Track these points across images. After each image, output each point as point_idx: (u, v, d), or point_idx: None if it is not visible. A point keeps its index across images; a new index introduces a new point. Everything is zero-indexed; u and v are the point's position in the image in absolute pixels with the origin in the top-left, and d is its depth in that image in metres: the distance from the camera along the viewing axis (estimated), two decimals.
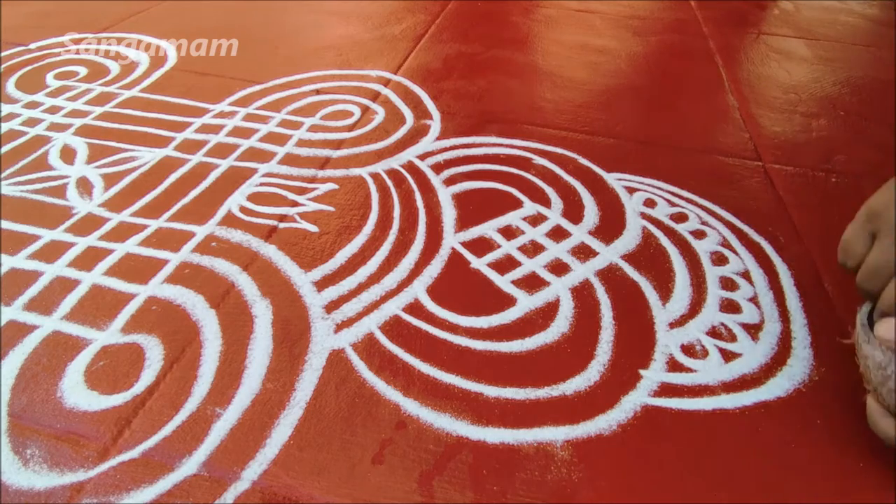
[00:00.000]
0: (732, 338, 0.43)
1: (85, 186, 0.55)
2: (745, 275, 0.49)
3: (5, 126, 0.64)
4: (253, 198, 0.55)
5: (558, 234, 0.52)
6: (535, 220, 0.54)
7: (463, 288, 0.46)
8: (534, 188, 0.58)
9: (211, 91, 0.72)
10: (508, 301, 0.45)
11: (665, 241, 0.52)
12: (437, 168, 0.60)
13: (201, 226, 0.51)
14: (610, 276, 0.48)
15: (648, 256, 0.50)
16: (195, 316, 0.43)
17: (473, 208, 0.55)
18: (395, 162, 0.61)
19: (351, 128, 0.66)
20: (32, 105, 0.68)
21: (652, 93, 0.79)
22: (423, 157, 0.62)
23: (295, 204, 0.54)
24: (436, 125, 0.68)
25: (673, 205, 0.57)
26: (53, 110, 0.67)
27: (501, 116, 0.70)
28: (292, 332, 0.42)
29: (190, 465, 0.33)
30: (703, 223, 0.55)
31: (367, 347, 0.41)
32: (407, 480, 0.33)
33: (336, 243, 0.50)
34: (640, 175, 0.61)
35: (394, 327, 0.43)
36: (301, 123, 0.67)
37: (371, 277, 0.47)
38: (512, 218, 0.54)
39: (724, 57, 0.91)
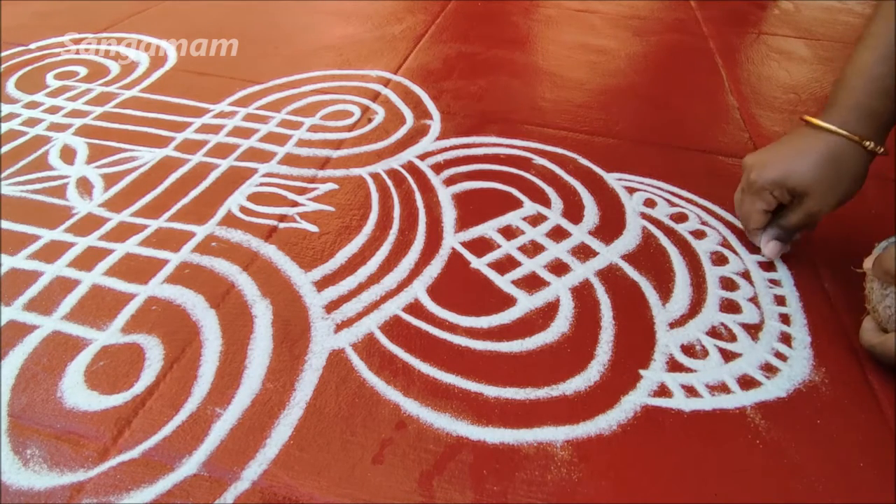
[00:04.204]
0: (732, 338, 0.43)
1: (85, 186, 0.55)
2: (745, 275, 0.49)
3: (5, 126, 0.64)
4: (253, 198, 0.55)
5: (558, 234, 0.52)
6: (535, 220, 0.54)
7: (463, 288, 0.46)
8: (534, 188, 0.58)
9: (211, 91, 0.72)
10: (508, 301, 0.45)
11: (665, 241, 0.52)
12: (437, 168, 0.60)
13: (201, 226, 0.51)
14: (610, 276, 0.48)
15: (648, 256, 0.50)
16: (195, 316, 0.43)
17: (473, 208, 0.55)
18: (395, 162, 0.61)
19: (351, 128, 0.66)
20: (32, 105, 0.68)
21: (652, 93, 0.79)
22: (423, 157, 0.62)
23: (295, 204, 0.54)
24: (436, 125, 0.68)
25: (673, 205, 0.57)
26: (53, 110, 0.67)
27: (501, 116, 0.70)
28: (292, 332, 0.42)
29: (190, 465, 0.33)
30: (703, 223, 0.55)
31: (367, 347, 0.41)
32: (407, 480, 0.33)
33: (336, 243, 0.50)
34: (640, 175, 0.61)
35: (394, 327, 0.43)
36: (301, 123, 0.67)
37: (371, 277, 0.47)
38: (512, 218, 0.54)
39: (724, 57, 0.90)
